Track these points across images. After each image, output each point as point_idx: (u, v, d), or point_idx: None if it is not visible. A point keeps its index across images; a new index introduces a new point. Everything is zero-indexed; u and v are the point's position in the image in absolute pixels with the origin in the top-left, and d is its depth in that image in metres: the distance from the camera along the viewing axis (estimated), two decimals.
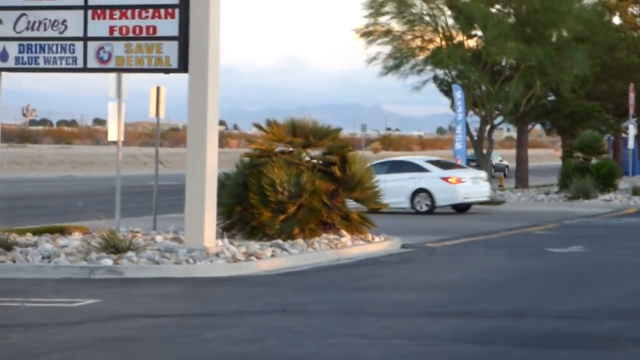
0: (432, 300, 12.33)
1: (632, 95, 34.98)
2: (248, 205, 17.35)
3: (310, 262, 15.91)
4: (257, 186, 17.32)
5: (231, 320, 10.83)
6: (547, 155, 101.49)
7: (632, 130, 35.78)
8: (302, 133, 18.40)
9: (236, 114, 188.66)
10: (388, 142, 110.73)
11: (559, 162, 41.36)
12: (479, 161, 38.06)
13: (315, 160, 18.47)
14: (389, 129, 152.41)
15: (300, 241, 16.74)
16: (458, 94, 35.74)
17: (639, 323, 10.60)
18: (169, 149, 68.88)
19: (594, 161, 34.90)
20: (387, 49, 37.32)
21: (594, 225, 24.80)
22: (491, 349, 9.30)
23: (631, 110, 35.41)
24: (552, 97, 42.50)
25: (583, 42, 37.71)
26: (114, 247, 14.89)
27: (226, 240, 16.33)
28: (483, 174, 30.06)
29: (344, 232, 17.86)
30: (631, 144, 35.94)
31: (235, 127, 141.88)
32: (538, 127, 51.73)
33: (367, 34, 37.30)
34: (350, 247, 17.28)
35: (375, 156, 79.00)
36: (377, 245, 17.87)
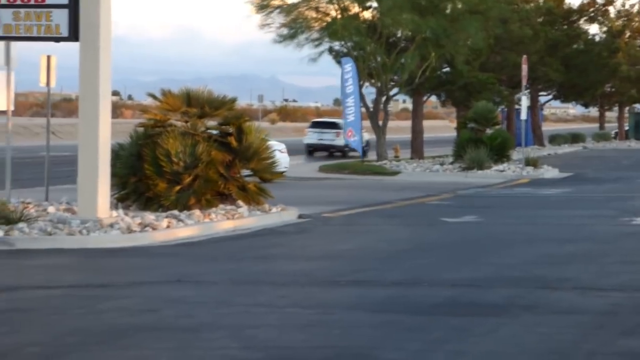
0: (328, 269, 12.36)
1: (524, 67, 35.54)
2: (143, 176, 17.13)
3: (206, 232, 15.79)
4: (151, 157, 17.11)
5: (125, 291, 10.68)
6: (442, 126, 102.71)
7: (524, 102, 36.37)
8: (197, 103, 18.21)
9: (130, 84, 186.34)
10: (285, 113, 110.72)
11: (454, 134, 41.83)
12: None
13: (211, 131, 18.33)
14: (286, 100, 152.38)
15: (196, 212, 16.61)
16: (347, 66, 35.78)
17: (530, 290, 10.79)
18: (62, 120, 67.64)
19: (487, 132, 35.38)
20: (281, 18, 37.16)
21: (488, 196, 25.18)
22: (386, 317, 9.36)
23: (524, 82, 35.99)
24: (447, 69, 42.93)
25: (477, 14, 38.13)
26: (5, 218, 14.54)
27: (121, 211, 16.12)
28: (282, 146, 28.38)
29: (240, 202, 17.77)
30: (524, 115, 36.56)
31: (130, 97, 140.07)
32: (433, 98, 52.28)
33: (263, 7, 37.05)
34: (247, 218, 17.21)
35: (273, 127, 78.94)
36: (274, 215, 17.83)
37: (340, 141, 43.50)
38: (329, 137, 46.00)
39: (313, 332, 8.69)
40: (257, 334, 8.58)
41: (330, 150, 45.80)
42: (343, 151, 44.42)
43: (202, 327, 8.83)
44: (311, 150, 46.27)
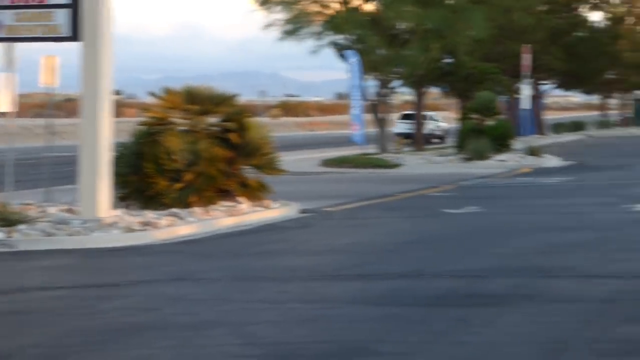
0: (330, 263, 12.37)
1: (527, 56, 35.50)
2: (144, 174, 17.14)
3: (207, 229, 15.81)
4: (152, 155, 17.12)
5: (127, 290, 10.70)
6: (444, 117, 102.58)
7: (526, 91, 36.35)
8: (198, 100, 18.22)
9: (133, 83, 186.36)
10: (287, 108, 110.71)
11: (456, 124, 41.83)
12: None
13: (212, 128, 18.33)
14: (288, 95, 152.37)
15: (197, 209, 16.62)
16: (353, 60, 35.87)
17: (531, 280, 10.79)
18: (65, 120, 67.68)
19: (489, 122, 35.37)
20: (285, 15, 37.17)
21: (489, 186, 25.17)
22: (389, 309, 9.37)
23: (525, 71, 35.94)
24: (449, 60, 42.90)
25: (479, 4, 38.09)
26: (6, 220, 14.56)
27: (122, 211, 16.13)
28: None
29: (241, 199, 17.78)
30: (525, 105, 36.53)
31: (132, 96, 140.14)
32: (435, 90, 52.29)
33: (265, 2, 37.05)
34: (248, 214, 17.22)
35: (274, 122, 78.95)
36: (275, 211, 17.85)
37: (424, 130, 48.56)
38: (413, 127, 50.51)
39: (314, 327, 8.70)
40: (258, 330, 8.60)
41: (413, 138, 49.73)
42: (426, 138, 48.28)
43: (204, 324, 8.84)
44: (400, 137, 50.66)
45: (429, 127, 52.87)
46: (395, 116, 48.91)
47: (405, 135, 49.70)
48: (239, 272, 11.79)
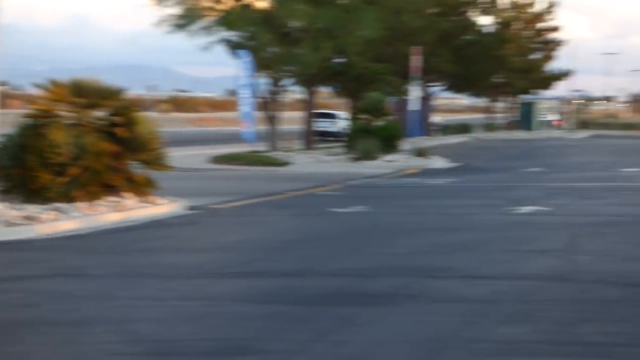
0: (217, 261, 12.31)
1: (414, 58, 35.92)
2: (27, 167, 16.80)
3: (92, 225, 15.58)
4: (36, 148, 16.79)
5: (6, 286, 10.46)
6: None
7: (414, 92, 36.80)
8: (85, 93, 17.93)
9: (20, 73, 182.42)
10: (178, 103, 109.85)
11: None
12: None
13: (99, 122, 18.06)
14: (179, 90, 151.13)
15: (82, 204, 16.36)
16: (245, 58, 35.84)
17: (415, 279, 10.91)
18: None
19: (378, 123, 35.70)
20: (177, 10, 36.88)
21: (377, 186, 25.39)
22: (275, 308, 9.36)
23: (414, 73, 36.37)
24: (340, 60, 43.15)
25: (370, 5, 38.40)
26: None
27: (3, 204, 15.77)
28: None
29: (128, 194, 17.57)
30: (414, 106, 36.98)
31: (19, 87, 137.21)
32: (326, 89, 52.55)
33: None
34: (135, 210, 17.03)
35: (164, 117, 78.22)
36: (163, 207, 17.69)
37: (334, 128, 54.35)
38: (325, 125, 55.07)
39: (199, 325, 8.65)
40: (142, 328, 8.50)
41: (326, 136, 52.80)
42: (336, 136, 50.68)
43: (86, 321, 8.71)
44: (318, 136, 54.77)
45: (339, 125, 54.46)
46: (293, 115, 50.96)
47: (321, 133, 52.44)
48: (123, 269, 11.64)
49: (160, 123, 21.83)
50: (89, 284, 10.61)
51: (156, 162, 18.49)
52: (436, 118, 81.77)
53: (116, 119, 18.05)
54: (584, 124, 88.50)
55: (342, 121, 57.21)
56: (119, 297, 9.85)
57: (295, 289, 10.36)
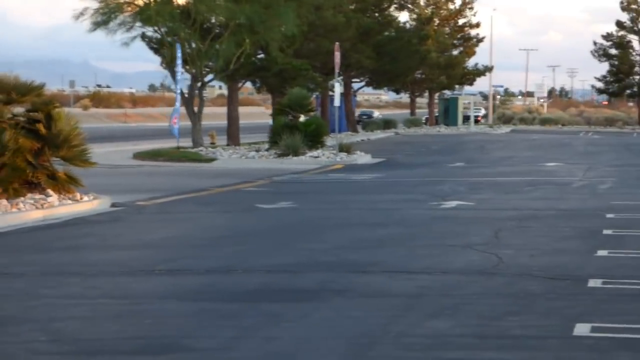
0: (141, 258, 12.19)
1: (337, 54, 36.00)
2: None
3: (14, 223, 15.32)
4: None
5: None
6: (258, 112, 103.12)
7: (337, 88, 36.88)
8: (3, 89, 17.64)
9: None
10: (98, 99, 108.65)
11: (271, 120, 42.05)
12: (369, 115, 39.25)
13: (19, 118, 17.79)
14: (99, 85, 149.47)
15: (3, 202, 16.08)
16: (179, 52, 35.74)
17: (342, 275, 10.93)
18: None
19: (302, 119, 35.71)
20: (94, 4, 36.46)
21: (303, 182, 25.41)
22: (200, 305, 9.30)
23: (337, 69, 36.46)
24: (261, 55, 43.06)
25: (291, 1, 38.37)
26: None
27: None
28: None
29: (50, 191, 17.32)
30: (337, 102, 37.06)
31: None
32: (249, 84, 52.40)
33: None
34: (57, 207, 16.79)
35: (85, 113, 77.36)
36: (86, 204, 17.47)
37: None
38: None
39: (124, 323, 8.55)
40: (66, 326, 8.38)
41: None
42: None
43: (8, 320, 8.55)
44: None
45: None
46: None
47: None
48: (46, 267, 11.47)
49: (81, 119, 21.56)
50: (12, 283, 10.43)
51: (79, 159, 18.25)
52: (375, 112, 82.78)
53: (36, 115, 17.78)
54: (504, 119, 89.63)
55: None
56: (43, 295, 9.70)
57: (222, 286, 10.31)
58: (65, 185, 17.73)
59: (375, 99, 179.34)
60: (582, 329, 8.29)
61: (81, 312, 8.97)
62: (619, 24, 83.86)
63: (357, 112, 74.76)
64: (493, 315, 8.84)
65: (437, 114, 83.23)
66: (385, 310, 9.06)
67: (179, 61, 36.33)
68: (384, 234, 14.47)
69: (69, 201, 17.39)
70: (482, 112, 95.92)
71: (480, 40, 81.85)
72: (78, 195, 17.70)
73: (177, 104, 37.20)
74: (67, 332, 8.21)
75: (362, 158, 34.69)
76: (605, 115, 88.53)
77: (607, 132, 72.11)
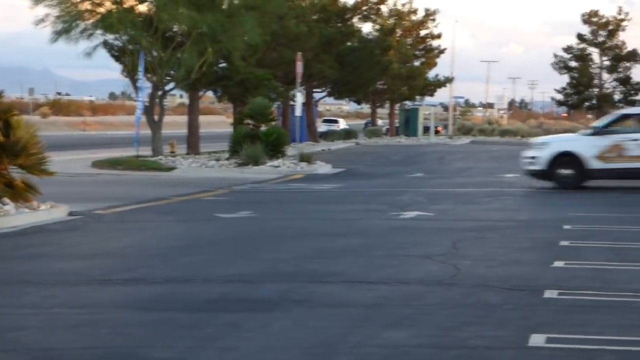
0: (99, 268, 12.11)
1: (299, 64, 36.04)
2: None
3: None
4: None
5: None
6: (219, 121, 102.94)
7: (299, 98, 36.92)
8: None
9: None
10: (58, 107, 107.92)
11: (231, 129, 42.00)
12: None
13: None
14: (59, 93, 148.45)
15: None
16: (141, 60, 35.63)
17: (302, 285, 10.93)
18: None
19: (263, 128, 35.69)
20: (55, 11, 36.24)
21: (263, 191, 25.38)
22: (158, 315, 9.26)
23: (299, 79, 36.49)
24: (223, 65, 43.01)
25: (253, 10, 38.37)
26: None
27: None
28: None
29: (7, 200, 17.18)
30: (298, 112, 37.09)
31: None
32: (210, 93, 52.30)
33: None
34: (14, 216, 16.64)
35: (44, 121, 76.76)
36: (43, 213, 17.34)
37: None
38: (333, 128, 74.08)
39: (81, 333, 8.49)
40: (21, 336, 8.31)
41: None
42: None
43: None
44: (322, 136, 66.25)
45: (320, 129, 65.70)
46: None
47: (325, 134, 66.92)
48: (2, 276, 11.36)
49: (41, 127, 21.39)
50: None
51: (37, 167, 18.12)
52: (342, 122, 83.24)
53: None
54: (464, 130, 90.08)
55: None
56: None
57: (180, 295, 10.27)
58: (22, 193, 17.60)
59: (336, 109, 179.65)
60: (537, 339, 8.35)
61: (38, 322, 8.89)
62: (580, 37, 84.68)
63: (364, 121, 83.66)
64: (451, 325, 8.88)
65: (397, 125, 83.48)
66: (344, 321, 9.07)
67: (141, 69, 36.22)
68: (344, 244, 14.48)
69: (27, 210, 17.25)
70: (440, 123, 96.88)
71: (441, 51, 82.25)
72: (35, 204, 17.57)
73: (139, 112, 37.08)
74: (24, 342, 8.14)
75: (322, 168, 34.72)
76: (565, 127, 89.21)
77: None
